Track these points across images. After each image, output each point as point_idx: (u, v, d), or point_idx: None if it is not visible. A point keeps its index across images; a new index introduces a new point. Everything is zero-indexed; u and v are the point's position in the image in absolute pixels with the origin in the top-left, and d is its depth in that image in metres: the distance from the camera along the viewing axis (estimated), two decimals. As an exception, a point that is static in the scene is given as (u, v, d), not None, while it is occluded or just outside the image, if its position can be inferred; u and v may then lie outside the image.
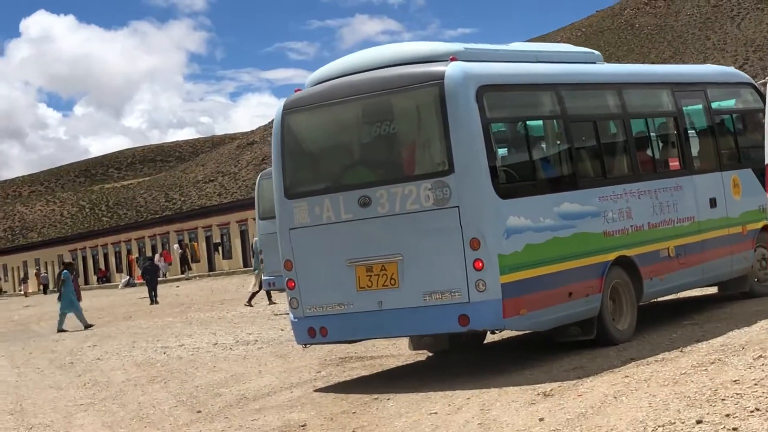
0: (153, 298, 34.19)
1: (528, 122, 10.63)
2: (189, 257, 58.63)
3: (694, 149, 12.66)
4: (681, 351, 9.57)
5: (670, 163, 12.20)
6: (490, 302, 9.39)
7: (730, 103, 13.76)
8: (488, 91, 9.78)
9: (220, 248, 58.37)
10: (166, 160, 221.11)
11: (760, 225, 13.10)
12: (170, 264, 59.96)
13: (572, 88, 11.12)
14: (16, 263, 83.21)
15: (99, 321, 27.18)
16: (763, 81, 15.60)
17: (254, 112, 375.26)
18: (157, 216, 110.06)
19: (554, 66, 11.30)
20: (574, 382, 8.83)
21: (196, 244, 60.75)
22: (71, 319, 24.45)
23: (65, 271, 25.04)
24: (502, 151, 10.53)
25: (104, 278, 71.27)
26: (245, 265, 60.51)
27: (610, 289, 10.60)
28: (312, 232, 10.20)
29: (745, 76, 14.29)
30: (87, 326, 23.88)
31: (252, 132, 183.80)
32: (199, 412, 10.25)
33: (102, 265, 74.42)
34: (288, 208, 10.34)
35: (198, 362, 14.27)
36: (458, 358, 11.38)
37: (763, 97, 13.90)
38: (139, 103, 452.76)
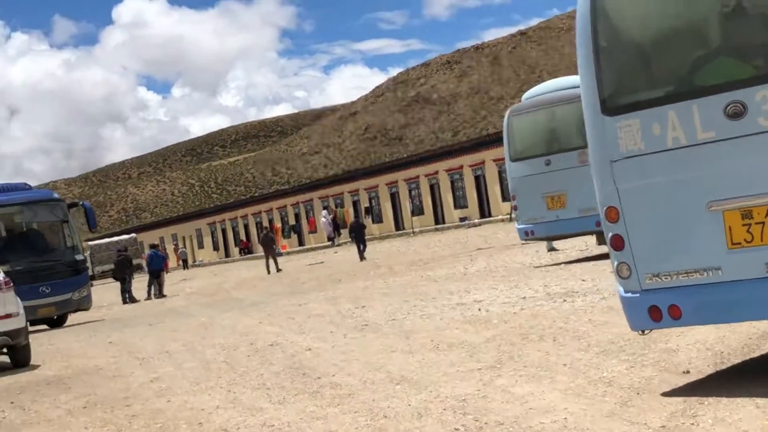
0: (362, 256, 34.12)
1: None
2: (338, 223, 56.57)
3: None
4: None
5: None
6: None
7: None
8: None
9: (370, 213, 56.38)
10: (269, 136, 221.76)
11: None
12: (315, 232, 58.12)
13: None
14: (152, 239, 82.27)
15: (305, 286, 25.20)
16: None
17: (349, 84, 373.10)
18: (294, 186, 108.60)
19: None
20: None
21: (346, 209, 58.79)
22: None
23: None
24: None
25: (246, 249, 69.80)
26: (397, 228, 58.60)
27: None
28: (649, 163, 6.73)
29: None
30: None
31: (353, 103, 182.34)
32: (686, 372, 7.77)
33: (243, 237, 73.10)
34: (608, 129, 6.86)
35: (546, 316, 11.82)
36: None
37: None
38: (234, 81, 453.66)
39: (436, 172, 56.16)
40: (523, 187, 19.54)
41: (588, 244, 22.84)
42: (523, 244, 27.25)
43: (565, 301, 13.03)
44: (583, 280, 15.31)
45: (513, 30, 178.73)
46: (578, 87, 19.81)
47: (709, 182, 6.53)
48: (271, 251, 37.07)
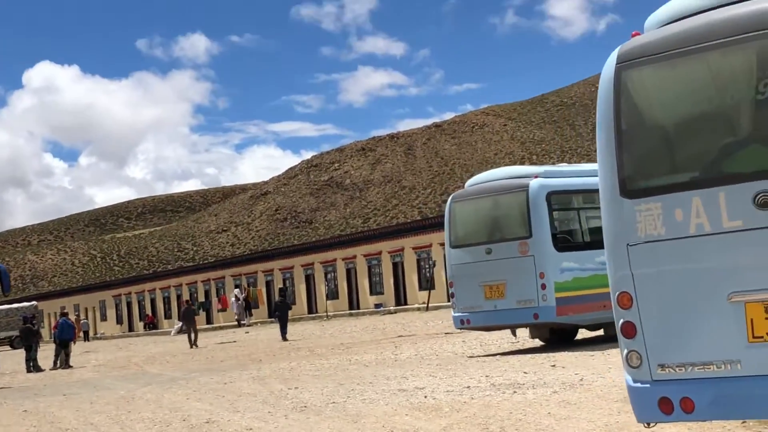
0: (284, 336, 33.42)
1: None
2: (250, 303, 55.53)
3: None
4: None
5: None
6: None
7: None
8: None
9: (283, 294, 55.50)
10: (176, 211, 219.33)
11: None
12: (225, 310, 57.04)
13: None
14: (52, 309, 79.79)
15: (224, 364, 24.37)
16: None
17: (260, 164, 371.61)
18: (200, 262, 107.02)
19: None
20: None
21: (260, 289, 57.84)
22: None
23: None
24: None
25: (152, 324, 68.12)
26: (310, 311, 57.79)
27: None
28: (669, 249, 6.47)
29: None
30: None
31: (265, 183, 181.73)
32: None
33: (149, 311, 71.40)
34: (626, 212, 6.63)
35: (500, 407, 11.40)
36: None
37: None
38: (143, 153, 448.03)
39: (354, 257, 55.76)
40: (462, 275, 19.22)
41: (519, 337, 22.58)
42: (447, 334, 26.97)
43: (515, 392, 12.64)
44: (525, 373, 14.96)
45: (428, 122, 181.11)
46: (521, 177, 19.84)
47: (732, 272, 6.24)
48: (192, 325, 36.38)
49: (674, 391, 6.47)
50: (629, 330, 6.63)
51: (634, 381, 6.68)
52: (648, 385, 6.60)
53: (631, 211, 6.60)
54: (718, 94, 6.59)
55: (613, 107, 6.72)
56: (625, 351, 6.68)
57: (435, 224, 50.72)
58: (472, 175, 23.00)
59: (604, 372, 13.85)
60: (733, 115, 6.56)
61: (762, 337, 6.13)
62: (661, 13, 6.87)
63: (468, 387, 13.76)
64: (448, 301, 48.26)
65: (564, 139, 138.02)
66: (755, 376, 6.17)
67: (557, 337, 19.92)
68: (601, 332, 19.90)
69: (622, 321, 6.68)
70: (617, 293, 6.69)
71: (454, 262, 19.54)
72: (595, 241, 18.86)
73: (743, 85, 6.41)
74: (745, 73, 6.38)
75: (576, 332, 20.33)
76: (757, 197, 6.08)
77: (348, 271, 56.35)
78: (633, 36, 6.86)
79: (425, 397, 13.01)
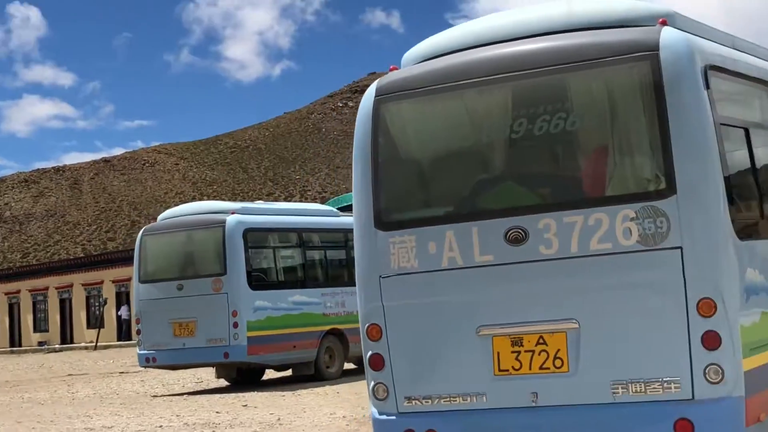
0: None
1: None
2: None
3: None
4: None
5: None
6: None
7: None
8: (715, 74, 6.14)
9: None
10: None
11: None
12: None
13: None
14: None
15: None
16: None
17: None
18: None
19: None
20: None
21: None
22: None
23: None
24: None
25: None
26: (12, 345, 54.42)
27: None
28: (421, 282, 6.44)
29: None
30: None
31: None
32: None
33: None
34: (380, 244, 6.53)
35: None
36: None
37: None
38: None
39: (18, 291, 52.95)
40: (150, 311, 18.59)
41: (200, 377, 22.17)
42: (122, 373, 26.12)
43: (214, 431, 12.32)
44: (218, 412, 14.63)
45: (96, 156, 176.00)
46: (217, 212, 19.58)
47: (482, 306, 6.30)
48: None
49: (420, 424, 6.44)
50: (377, 362, 6.55)
51: (380, 413, 6.60)
52: (393, 418, 6.53)
53: (385, 243, 6.53)
54: (474, 132, 6.66)
55: (371, 139, 6.63)
56: (372, 383, 6.60)
57: (107, 261, 49.28)
58: (140, 213, 22.49)
59: (299, 412, 13.83)
60: (488, 153, 6.66)
61: (507, 370, 6.22)
62: (420, 49, 6.89)
63: (160, 426, 13.28)
64: (119, 339, 46.83)
65: (236, 181, 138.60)
66: (500, 408, 6.26)
67: (243, 378, 19.73)
68: (289, 372, 19.94)
69: (370, 353, 6.59)
70: (366, 325, 6.59)
71: (142, 298, 18.89)
72: (289, 280, 18.96)
73: (498, 124, 6.49)
74: (501, 112, 6.47)
75: (263, 372, 20.24)
76: (509, 233, 6.17)
77: (11, 306, 53.47)
78: (391, 70, 6.83)
79: (116, 437, 12.41)
